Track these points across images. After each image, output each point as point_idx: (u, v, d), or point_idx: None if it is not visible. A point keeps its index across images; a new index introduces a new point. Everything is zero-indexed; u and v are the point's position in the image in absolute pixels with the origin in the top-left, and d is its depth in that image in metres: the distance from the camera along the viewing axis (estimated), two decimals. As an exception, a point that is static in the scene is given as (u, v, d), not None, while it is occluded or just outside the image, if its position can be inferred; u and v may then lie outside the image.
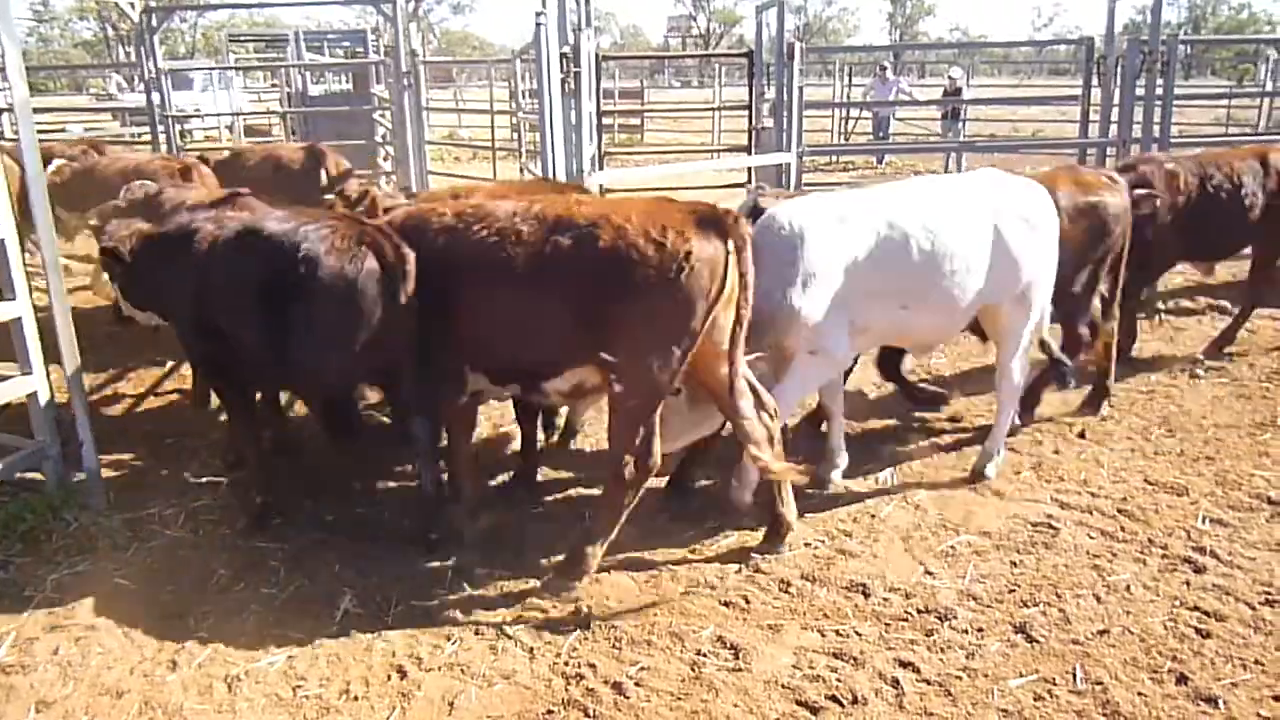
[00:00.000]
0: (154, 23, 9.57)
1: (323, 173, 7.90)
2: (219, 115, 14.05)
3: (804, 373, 4.40)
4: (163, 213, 5.21)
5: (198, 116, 17.21)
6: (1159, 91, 7.75)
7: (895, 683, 3.33)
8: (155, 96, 9.60)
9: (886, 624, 3.68)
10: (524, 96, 13.45)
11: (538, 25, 5.38)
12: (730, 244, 3.65)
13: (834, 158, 17.78)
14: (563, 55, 5.59)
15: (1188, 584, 3.91)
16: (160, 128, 9.68)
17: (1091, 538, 4.31)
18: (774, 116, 7.89)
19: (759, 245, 3.91)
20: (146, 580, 4.04)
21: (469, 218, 3.86)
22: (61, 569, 4.07)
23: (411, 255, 3.80)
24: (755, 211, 4.72)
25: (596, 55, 6.96)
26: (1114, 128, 8.14)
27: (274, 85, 24.23)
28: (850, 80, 22.07)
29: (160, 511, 4.60)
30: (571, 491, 4.89)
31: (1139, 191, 5.60)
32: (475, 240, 3.79)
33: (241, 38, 20.86)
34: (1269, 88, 15.50)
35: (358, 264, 3.79)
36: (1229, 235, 6.47)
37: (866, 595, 3.87)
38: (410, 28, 9.37)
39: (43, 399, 4.28)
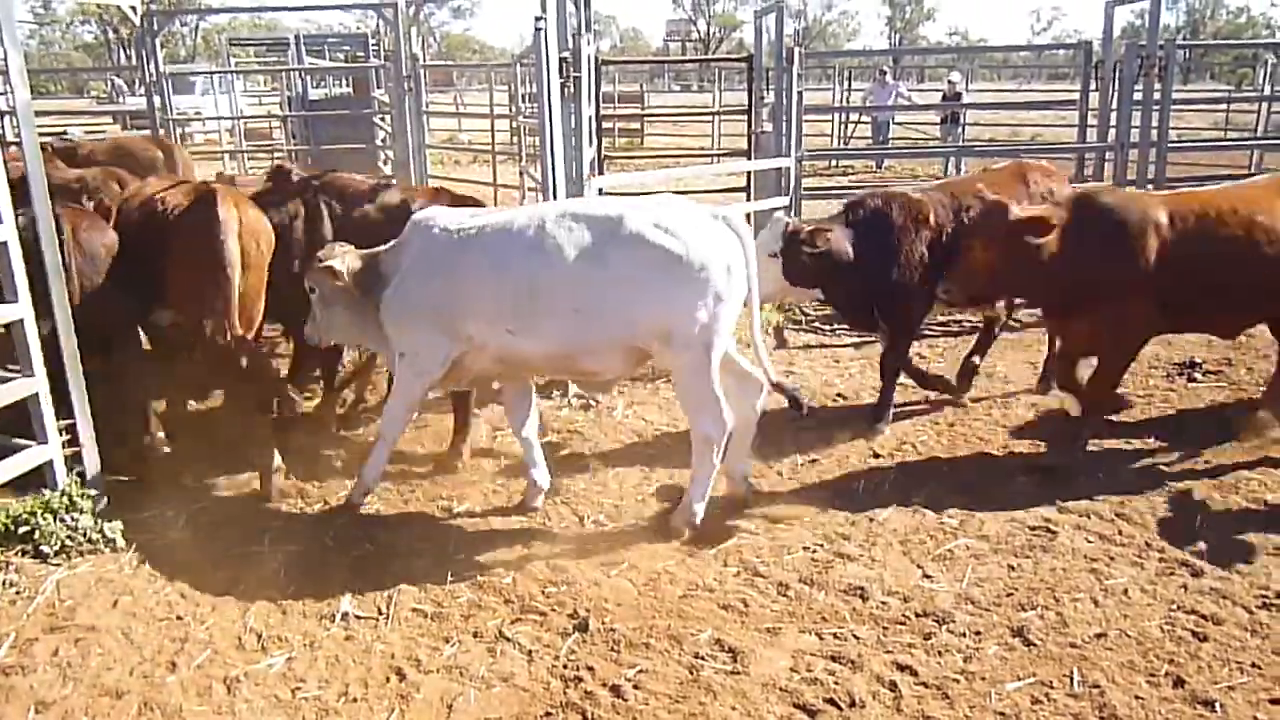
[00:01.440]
0: (155, 26, 9.60)
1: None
2: (219, 119, 14.05)
3: (400, 376, 4.58)
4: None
5: (198, 120, 17.29)
6: (1157, 96, 7.77)
7: (893, 686, 3.34)
8: (156, 100, 9.60)
9: (884, 627, 3.69)
10: (524, 101, 13.50)
11: (537, 30, 5.40)
12: None
13: (833, 162, 17.82)
14: (562, 60, 5.61)
15: (1185, 587, 3.93)
16: (161, 131, 9.67)
17: (1089, 541, 4.32)
18: (773, 121, 7.91)
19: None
20: (147, 582, 4.05)
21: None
22: (62, 570, 4.07)
23: None
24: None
25: (596, 60, 6.97)
26: (1112, 132, 8.15)
27: (274, 88, 24.30)
28: (850, 85, 22.10)
29: (161, 514, 4.61)
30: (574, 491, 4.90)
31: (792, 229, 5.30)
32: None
33: (242, 41, 20.90)
34: (1267, 92, 15.53)
35: None
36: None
37: (864, 599, 3.88)
38: (411, 32, 9.38)
39: (44, 401, 4.29)
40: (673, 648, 3.57)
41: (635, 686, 3.36)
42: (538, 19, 5.37)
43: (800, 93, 7.71)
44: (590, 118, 6.17)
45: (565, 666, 3.49)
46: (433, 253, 4.38)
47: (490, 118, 11.89)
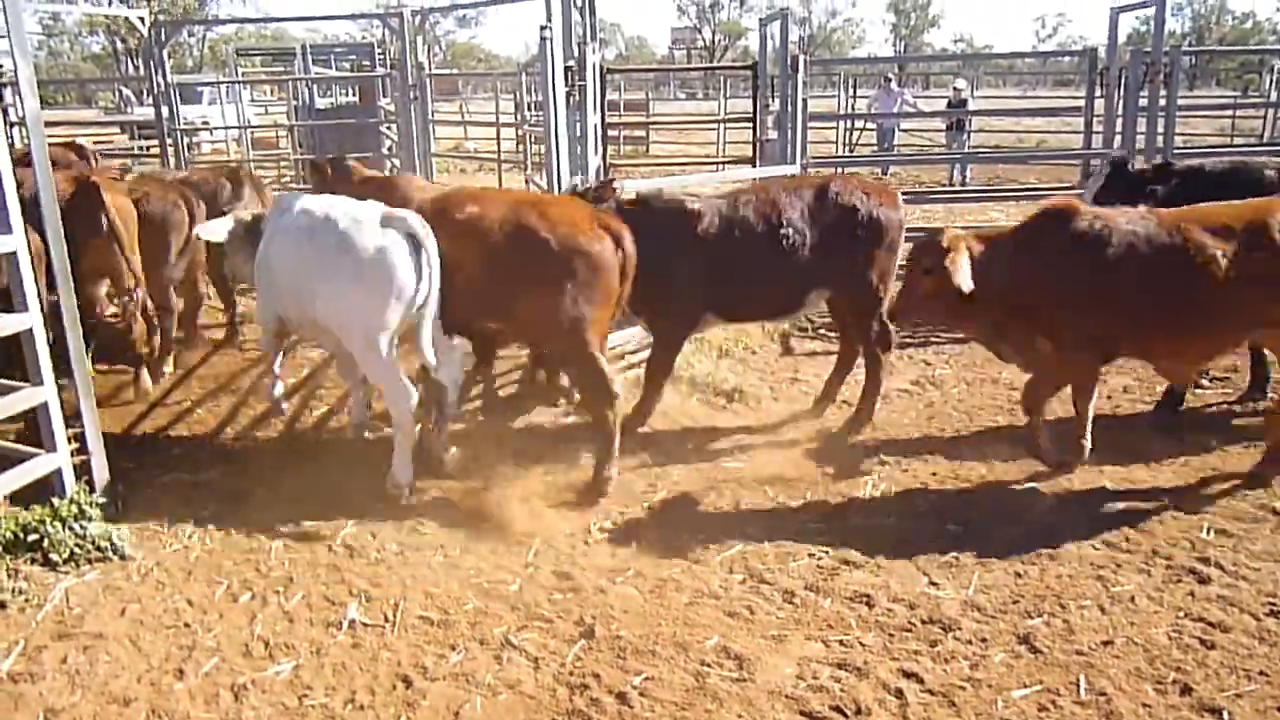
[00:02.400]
0: (163, 37, 9.66)
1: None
2: (226, 128, 14.13)
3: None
4: None
5: (206, 129, 17.38)
6: (1162, 102, 7.77)
7: (899, 693, 3.34)
8: (164, 110, 9.65)
9: (890, 634, 3.69)
10: (529, 109, 13.55)
11: (543, 39, 5.42)
12: None
13: (839, 169, 17.82)
14: (567, 68, 5.64)
15: (1192, 595, 3.92)
16: (168, 140, 9.73)
17: (1096, 548, 4.31)
18: (778, 128, 7.93)
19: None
20: (155, 589, 4.06)
21: None
22: (70, 578, 4.09)
23: None
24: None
25: (601, 68, 7.00)
26: (1118, 139, 8.15)
27: (280, 98, 24.38)
28: (855, 91, 22.13)
29: (169, 521, 4.63)
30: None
31: None
32: None
33: (249, 51, 21.00)
34: (1273, 98, 15.52)
35: None
36: (772, 285, 5.48)
37: (870, 605, 3.88)
38: (417, 41, 9.43)
39: (53, 409, 4.31)
40: (679, 655, 3.58)
41: (641, 694, 3.36)
42: (543, 28, 5.40)
43: (805, 100, 7.73)
44: (595, 125, 6.18)
45: (571, 674, 3.49)
46: (271, 230, 5.02)
47: (496, 125, 11.94)
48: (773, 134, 8.16)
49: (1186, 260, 4.64)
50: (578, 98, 5.71)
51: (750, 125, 8.69)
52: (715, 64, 49.48)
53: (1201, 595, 3.91)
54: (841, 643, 3.64)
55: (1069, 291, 4.73)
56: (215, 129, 14.83)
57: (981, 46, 72.07)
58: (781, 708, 3.28)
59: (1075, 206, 4.89)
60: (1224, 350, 4.96)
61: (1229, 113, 18.49)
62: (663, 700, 3.33)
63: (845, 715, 3.24)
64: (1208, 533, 4.40)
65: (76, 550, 4.22)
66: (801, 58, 7.58)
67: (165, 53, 9.73)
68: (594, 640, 3.68)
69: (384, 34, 20.67)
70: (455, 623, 3.83)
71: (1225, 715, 3.19)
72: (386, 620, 3.86)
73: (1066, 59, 42.25)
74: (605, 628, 3.74)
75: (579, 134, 5.83)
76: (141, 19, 9.51)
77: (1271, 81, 16.23)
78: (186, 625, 3.81)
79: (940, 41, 74.80)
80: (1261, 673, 3.40)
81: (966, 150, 16.11)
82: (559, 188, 5.68)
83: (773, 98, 8.00)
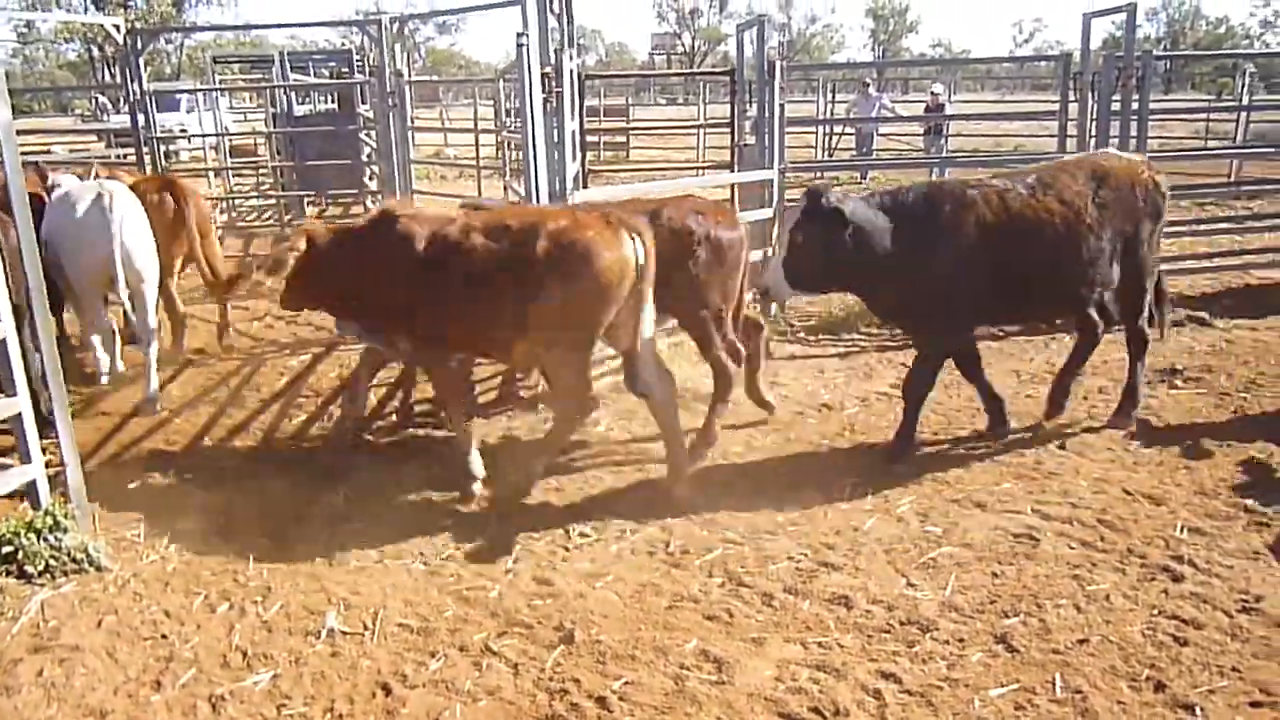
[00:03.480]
0: (139, 45, 9.60)
1: None
2: (204, 136, 14.04)
3: None
4: None
5: (184, 137, 17.26)
6: (1135, 106, 7.86)
7: (877, 694, 3.36)
8: (140, 118, 9.60)
9: (869, 636, 3.71)
10: (507, 116, 13.55)
11: (519, 45, 5.43)
12: None
13: (817, 174, 17.89)
14: (544, 75, 5.65)
15: (1166, 593, 3.95)
16: (145, 149, 9.67)
17: (1071, 548, 4.35)
18: (756, 134, 7.96)
19: None
20: (132, 601, 4.03)
21: None
22: (46, 590, 4.05)
23: None
24: None
25: (579, 74, 7.01)
26: (1092, 142, 8.23)
27: (259, 105, 24.24)
28: (834, 97, 22.22)
29: (145, 532, 4.60)
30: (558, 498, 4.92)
31: None
32: None
33: (227, 59, 20.89)
34: (1245, 101, 15.71)
35: None
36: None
37: (849, 607, 3.90)
38: (396, 48, 9.41)
39: (27, 420, 4.28)
40: (658, 659, 3.58)
41: (621, 698, 3.36)
42: (520, 34, 5.41)
43: (782, 105, 7.77)
44: (574, 132, 6.19)
45: (551, 679, 3.49)
46: None
47: (475, 132, 11.92)
48: (750, 139, 8.18)
49: (471, 264, 4.66)
50: (554, 104, 5.72)
51: (729, 130, 8.70)
52: (693, 70, 49.58)
53: (1175, 593, 3.94)
54: (820, 644, 3.66)
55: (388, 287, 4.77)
56: (195, 136, 14.69)
57: (959, 51, 72.52)
58: (760, 710, 3.29)
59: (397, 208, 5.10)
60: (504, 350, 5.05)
61: (1203, 116, 18.69)
62: (642, 704, 3.33)
63: (824, 716, 3.25)
64: (1181, 531, 4.45)
65: (52, 562, 4.18)
66: (779, 63, 7.61)
67: (142, 60, 9.67)
68: (574, 645, 3.68)
69: (363, 41, 20.65)
70: (435, 630, 3.82)
71: (1198, 711, 3.22)
72: (366, 628, 3.85)
73: (1044, 64, 42.64)
74: (585, 633, 3.74)
75: (557, 140, 5.83)
76: (117, 26, 9.42)
77: (1244, 85, 16.41)
78: (164, 636, 3.79)
79: (918, 47, 75.28)
80: (1234, 669, 3.44)
81: (944, 154, 16.19)
82: (537, 194, 5.69)
83: (750, 103, 8.02)
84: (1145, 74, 7.80)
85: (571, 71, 6.02)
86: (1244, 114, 15.11)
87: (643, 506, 4.88)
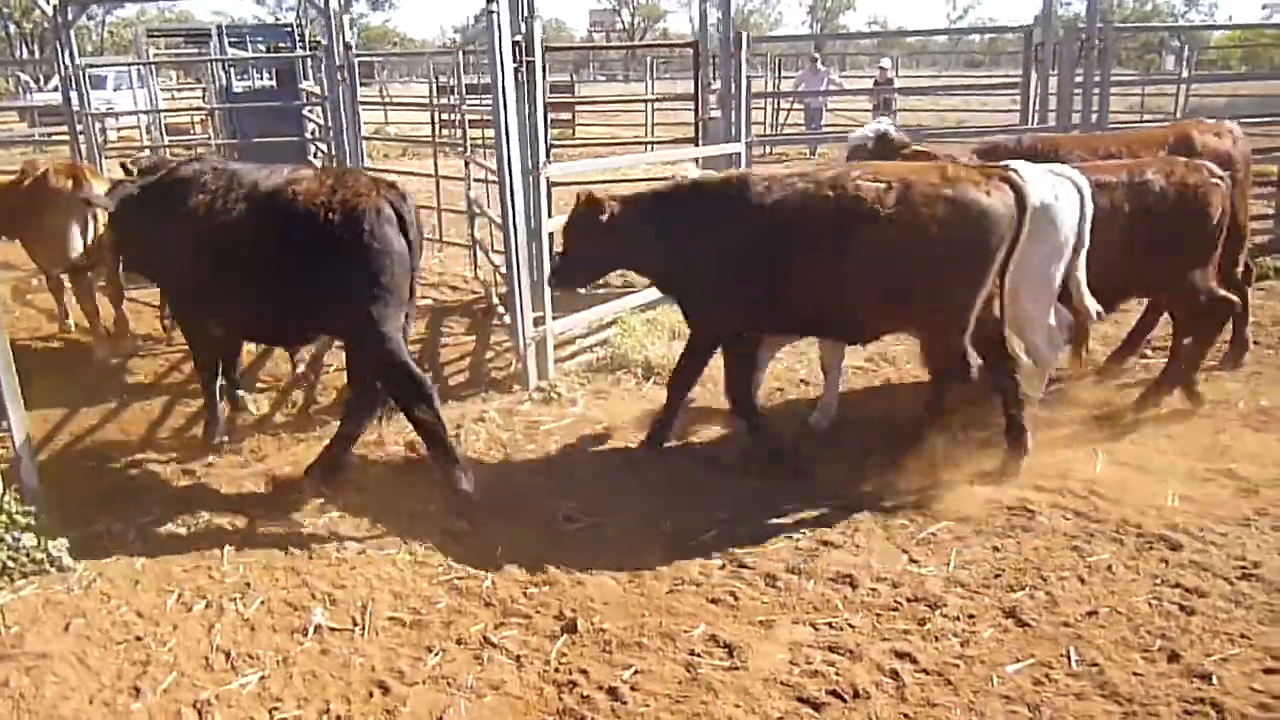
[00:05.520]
0: (69, 17, 9.11)
1: None
2: (139, 114, 13.43)
3: None
4: None
5: (112, 115, 16.55)
6: (1096, 78, 7.89)
7: (894, 674, 3.29)
8: (72, 95, 9.11)
9: (878, 614, 3.64)
10: (453, 91, 13.19)
11: (490, 14, 5.21)
12: None
13: (768, 149, 17.85)
14: (515, 44, 5.44)
15: (1166, 562, 3.95)
16: (79, 126, 9.20)
17: (1066, 519, 4.33)
18: (721, 107, 7.83)
19: None
20: (100, 602, 3.80)
21: None
22: (4, 594, 3.80)
23: None
24: None
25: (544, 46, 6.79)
26: (1052, 115, 8.27)
27: (185, 82, 23.36)
28: (780, 72, 22.17)
29: (109, 528, 4.35)
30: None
31: None
32: None
33: (162, 32, 20.05)
34: (1184, 75, 16.06)
35: None
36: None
37: (854, 586, 3.83)
38: (344, 21, 9.06)
39: (-22, 413, 4.00)
40: (666, 646, 3.47)
41: (632, 688, 3.24)
42: (489, 2, 5.19)
43: (749, 78, 7.65)
44: (543, 104, 5.99)
45: (557, 671, 3.36)
46: None
47: (431, 109, 11.57)
48: (715, 113, 8.05)
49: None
50: (527, 74, 5.51)
51: (686, 106, 8.57)
52: (656, 42, 49.19)
53: (1175, 562, 3.94)
54: (830, 625, 3.57)
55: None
56: (126, 114, 14.06)
57: (895, 28, 73.10)
58: (778, 695, 3.20)
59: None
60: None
61: (1137, 91, 19.04)
62: (656, 693, 3.22)
63: (844, 699, 3.17)
64: (1172, 500, 4.45)
65: (9, 563, 3.93)
66: (744, 36, 7.48)
67: (72, 34, 9.16)
68: (576, 635, 3.55)
69: (298, 14, 19.99)
70: (429, 623, 3.66)
71: (1214, 680, 3.21)
72: (355, 624, 3.67)
73: (976, 39, 43.18)
74: (587, 621, 3.62)
75: (528, 113, 5.63)
76: (46, -2, 8.92)
77: (1181, 61, 16.77)
78: (138, 639, 3.57)
79: (855, 23, 75.58)
80: (1243, 635, 3.44)
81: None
82: (510, 170, 5.49)
83: (715, 76, 7.88)
84: (1107, 47, 7.83)
85: (541, 41, 5.80)
86: (1183, 87, 15.40)
87: (628, 489, 4.75)
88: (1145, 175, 5.12)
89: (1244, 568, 3.87)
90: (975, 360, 4.52)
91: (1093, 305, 4.85)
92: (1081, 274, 4.80)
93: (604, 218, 4.76)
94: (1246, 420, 5.31)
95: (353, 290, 4.43)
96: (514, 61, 5.40)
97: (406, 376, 4.50)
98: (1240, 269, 6.04)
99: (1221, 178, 5.19)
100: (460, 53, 10.50)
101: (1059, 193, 4.66)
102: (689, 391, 5.19)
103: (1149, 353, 6.51)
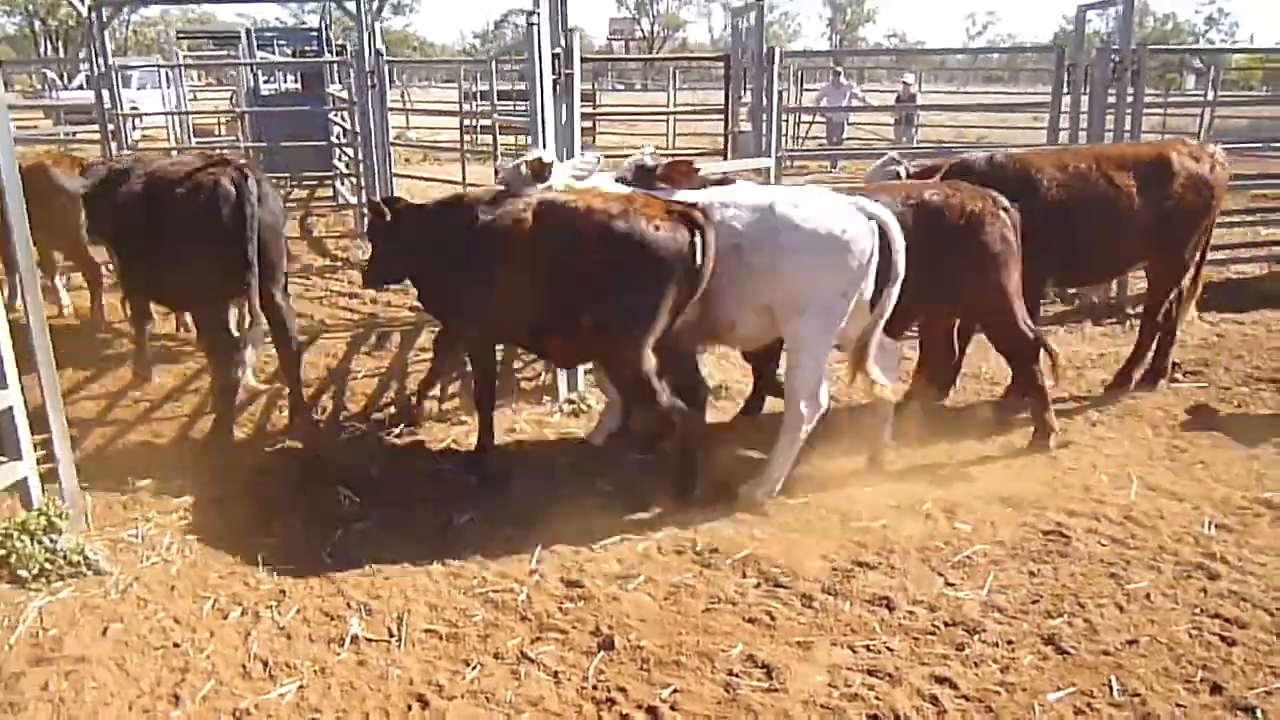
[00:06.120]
0: (103, 17, 9.19)
1: None
2: (167, 114, 13.51)
3: None
4: None
5: (135, 115, 16.65)
6: (1129, 98, 7.86)
7: (934, 700, 3.26)
8: (104, 94, 9.19)
9: (915, 638, 3.62)
10: (481, 99, 13.24)
11: (530, 25, 5.24)
12: None
13: (789, 162, 17.84)
14: (554, 55, 5.46)
15: (1205, 591, 3.92)
16: (110, 126, 9.27)
17: (1103, 545, 4.30)
18: (752, 120, 7.84)
19: None
20: (137, 606, 3.80)
21: None
22: (42, 596, 3.81)
23: None
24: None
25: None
26: (1083, 135, 8.24)
27: (209, 84, 23.47)
28: (803, 86, 22.16)
29: (145, 532, 4.36)
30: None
31: None
32: None
33: (192, 34, 20.17)
34: (1210, 97, 16.00)
35: None
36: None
37: (891, 609, 3.81)
38: (376, 26, 9.11)
39: (18, 415, 4.01)
40: (704, 665, 3.46)
41: (672, 708, 3.23)
42: (530, 13, 5.22)
43: (780, 92, 7.65)
44: (580, 114, 6.01)
45: (595, 688, 3.35)
46: None
47: (460, 115, 11.62)
48: (745, 126, 8.06)
49: None
50: (565, 85, 5.53)
51: (720, 117, 8.57)
52: (688, 54, 49.32)
53: (1214, 591, 3.91)
54: (868, 648, 3.55)
55: None
56: (151, 114, 14.13)
57: (914, 42, 73.10)
58: (818, 718, 3.18)
59: None
60: None
61: (1160, 112, 18.97)
62: (695, 714, 3.21)
63: (885, 725, 3.15)
64: (1209, 528, 4.43)
65: (47, 566, 3.93)
66: (777, 50, 7.49)
67: (106, 34, 9.24)
68: (614, 652, 3.53)
69: (322, 18, 20.06)
70: (465, 636, 3.66)
71: (1259, 714, 3.18)
72: (391, 635, 3.67)
73: (995, 56, 43.18)
74: (624, 638, 3.60)
75: (564, 122, 5.65)
76: (82, -1, 9.00)
77: (1207, 82, 16.71)
78: (176, 645, 3.57)
79: (874, 37, 75.66)
80: (1286, 669, 3.41)
81: (916, 144, 16.23)
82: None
83: (746, 89, 7.89)
84: (1140, 67, 7.81)
85: (579, 52, 5.82)
86: (1208, 110, 15.33)
87: (668, 505, 4.74)
88: (923, 198, 5.03)
89: (1284, 599, 3.84)
90: (661, 388, 4.54)
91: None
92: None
93: (383, 222, 5.00)
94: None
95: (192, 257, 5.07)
96: (553, 73, 5.43)
97: (226, 345, 5.25)
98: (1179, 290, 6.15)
99: (1007, 209, 5.12)
100: (494, 61, 10.53)
101: (846, 225, 4.55)
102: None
103: (1179, 376, 6.50)
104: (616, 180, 5.03)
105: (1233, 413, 5.90)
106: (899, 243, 4.58)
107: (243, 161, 5.29)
